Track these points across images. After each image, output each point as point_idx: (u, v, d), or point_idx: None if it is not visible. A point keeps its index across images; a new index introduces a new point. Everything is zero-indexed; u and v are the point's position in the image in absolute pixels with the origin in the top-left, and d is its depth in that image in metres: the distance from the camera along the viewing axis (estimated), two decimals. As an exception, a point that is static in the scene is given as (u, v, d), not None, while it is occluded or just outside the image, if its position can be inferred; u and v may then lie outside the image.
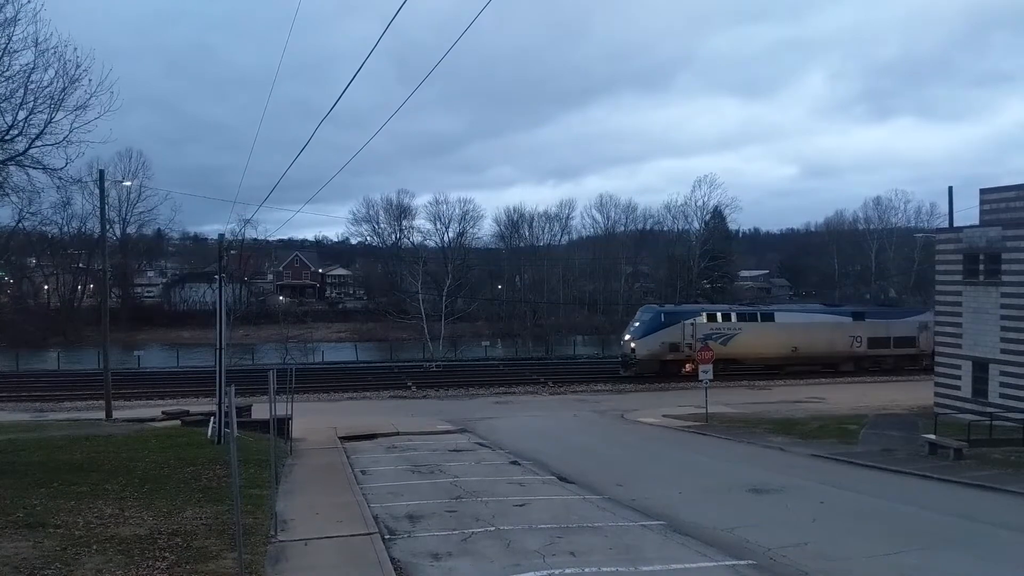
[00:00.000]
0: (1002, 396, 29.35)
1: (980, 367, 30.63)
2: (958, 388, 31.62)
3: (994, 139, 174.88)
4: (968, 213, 43.50)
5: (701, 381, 32.74)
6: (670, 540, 13.63)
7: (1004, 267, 29.68)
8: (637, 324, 49.41)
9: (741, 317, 49.24)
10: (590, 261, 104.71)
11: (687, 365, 47.00)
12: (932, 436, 23.82)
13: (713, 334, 47.01)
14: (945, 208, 40.30)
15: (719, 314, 49.36)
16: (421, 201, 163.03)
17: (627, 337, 49.49)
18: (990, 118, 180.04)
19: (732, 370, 47.75)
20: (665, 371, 47.89)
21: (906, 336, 50.69)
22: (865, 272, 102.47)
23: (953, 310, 32.20)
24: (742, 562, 12.19)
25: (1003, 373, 29.57)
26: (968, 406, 29.86)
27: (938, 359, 33.21)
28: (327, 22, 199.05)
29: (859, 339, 50.14)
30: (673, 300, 75.40)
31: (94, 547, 11.72)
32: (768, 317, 49.76)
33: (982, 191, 32.23)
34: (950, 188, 39.53)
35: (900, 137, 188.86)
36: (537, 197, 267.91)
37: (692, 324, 47.39)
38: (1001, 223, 30.27)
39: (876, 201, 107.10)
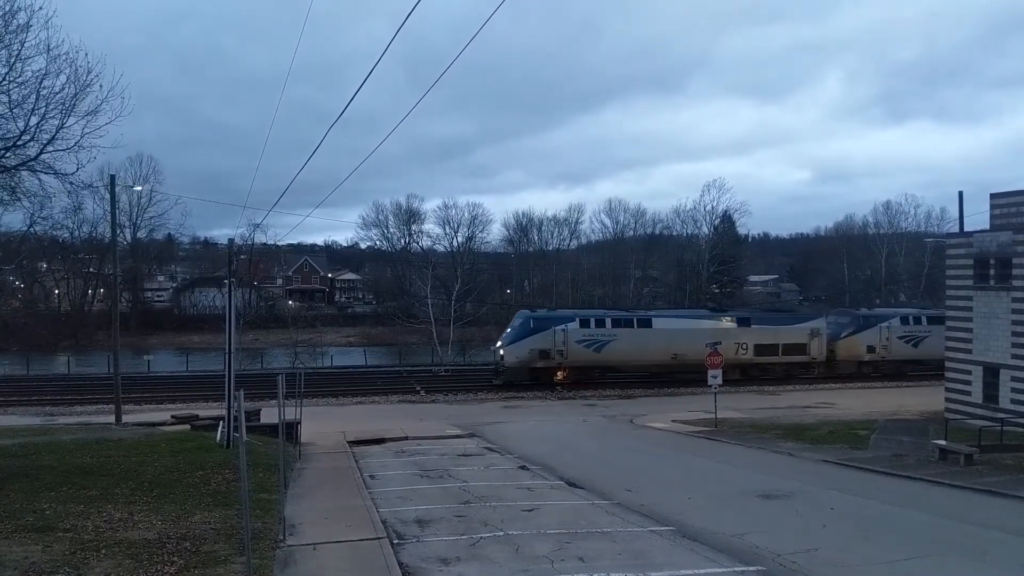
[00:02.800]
0: (1013, 402, 29.20)
1: (991, 372, 30.48)
2: (969, 393, 31.46)
3: (1009, 143, 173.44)
4: (979, 218, 43.19)
5: (711, 386, 32.62)
6: (679, 546, 13.59)
7: (1015, 272, 29.54)
8: (508, 330, 48.06)
9: (616, 323, 47.54)
10: (599, 265, 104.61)
11: (559, 373, 46.28)
12: (943, 441, 23.71)
13: (586, 341, 46.20)
14: (955, 213, 40.05)
15: (593, 320, 47.64)
16: (430, 206, 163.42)
17: (498, 344, 48.11)
18: (1006, 121, 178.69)
19: (610, 378, 47.09)
20: (536, 380, 46.31)
21: (796, 343, 49.15)
22: (875, 277, 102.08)
23: (964, 315, 32.06)
24: (752, 568, 12.15)
25: (1014, 379, 29.40)
26: (979, 411, 29.74)
27: (948, 364, 33.05)
28: (338, 23, 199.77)
29: (744, 346, 48.40)
30: (682, 304, 75.17)
31: (103, 551, 11.75)
32: (645, 323, 48.16)
33: (993, 195, 32.11)
34: (960, 193, 39.19)
35: (915, 141, 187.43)
36: (547, 201, 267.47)
37: (564, 330, 46.09)
38: (1012, 227, 30.13)
39: (886, 206, 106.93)
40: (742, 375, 48.43)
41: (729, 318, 50.18)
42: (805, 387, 46.81)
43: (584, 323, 47.07)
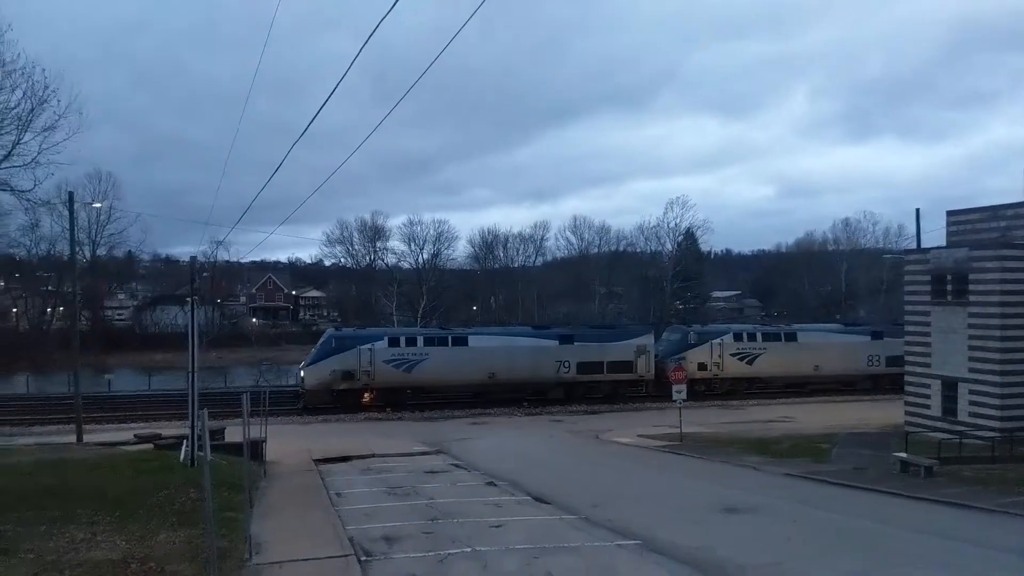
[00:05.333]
0: (971, 415, 29.77)
1: (949, 386, 31.05)
2: (928, 407, 32.01)
3: (970, 160, 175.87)
4: (937, 234, 43.91)
5: (675, 400, 32.89)
6: (646, 560, 13.69)
7: (971, 287, 30.19)
8: (313, 350, 45.71)
9: (429, 342, 45.50)
10: (564, 282, 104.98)
11: (366, 395, 44.14)
12: (903, 454, 24.11)
13: (395, 360, 44.12)
14: (913, 229, 40.85)
15: (403, 338, 45.76)
16: (395, 223, 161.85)
17: (301, 364, 45.72)
18: (968, 139, 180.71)
19: (424, 399, 45.32)
20: (342, 402, 43.73)
21: (622, 360, 47.22)
22: (835, 292, 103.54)
23: (922, 330, 32.65)
24: (718, 581, 12.28)
25: (972, 392, 29.99)
26: (938, 424, 30.27)
27: (908, 378, 33.61)
28: (301, 37, 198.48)
29: (567, 364, 46.49)
30: (647, 320, 75.24)
31: (66, 572, 11.61)
32: (460, 341, 46.14)
33: (949, 213, 32.85)
34: (917, 210, 40.04)
35: (878, 157, 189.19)
36: (513, 219, 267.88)
37: (371, 349, 43.83)
38: (968, 244, 30.83)
39: (845, 222, 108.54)
40: (566, 394, 47.06)
41: (551, 335, 48.30)
42: (769, 401, 47.14)
43: (393, 342, 45.01)
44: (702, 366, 48.49)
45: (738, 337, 49.84)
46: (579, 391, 47.24)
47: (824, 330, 53.79)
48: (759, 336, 50.35)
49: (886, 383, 49.97)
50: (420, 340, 45.49)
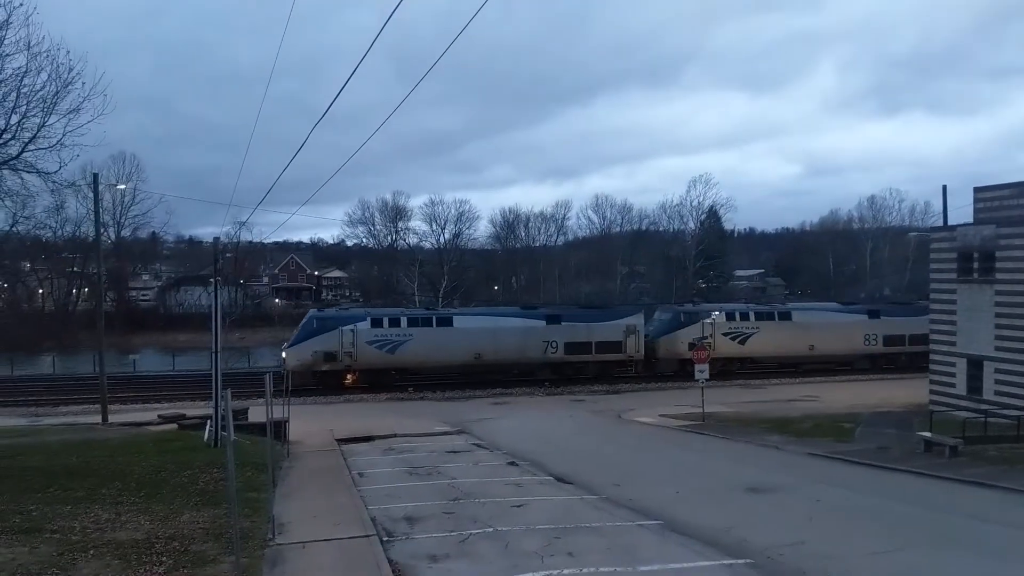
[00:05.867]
0: (997, 393, 29.44)
1: (975, 364, 30.72)
2: (953, 385, 31.71)
3: (1001, 135, 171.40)
4: (965, 211, 43.17)
5: (698, 380, 32.78)
6: (667, 540, 13.65)
7: (998, 265, 29.77)
8: (296, 331, 45.56)
9: (413, 322, 45.10)
10: (586, 262, 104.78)
11: (348, 376, 43.84)
12: (927, 434, 23.89)
13: (378, 341, 43.73)
14: (939, 207, 40.24)
15: (386, 319, 45.14)
16: (417, 202, 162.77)
17: (284, 345, 45.61)
18: (998, 113, 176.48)
19: (408, 380, 44.95)
20: (324, 383, 43.83)
21: (611, 340, 46.78)
22: (860, 271, 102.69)
23: (948, 308, 32.28)
24: (739, 561, 12.22)
25: (997, 370, 29.65)
26: (963, 403, 29.97)
27: (933, 357, 33.28)
28: (323, 15, 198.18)
29: (554, 344, 46.18)
30: (669, 300, 75.02)
31: (91, 552, 11.72)
32: (445, 322, 45.84)
33: (976, 189, 32.34)
34: (944, 187, 39.35)
35: (907, 133, 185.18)
36: (534, 197, 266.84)
37: (353, 330, 43.43)
38: (995, 221, 30.36)
39: (871, 200, 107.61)
40: (553, 374, 46.88)
41: (538, 316, 47.82)
42: (791, 380, 46.90)
43: (376, 323, 44.51)
44: (693, 346, 47.76)
45: (730, 316, 49.06)
46: (567, 371, 46.97)
47: (819, 309, 53.03)
48: (752, 315, 49.56)
49: (883, 362, 49.92)
50: (404, 321, 45.10)
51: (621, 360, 47.59)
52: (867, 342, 49.88)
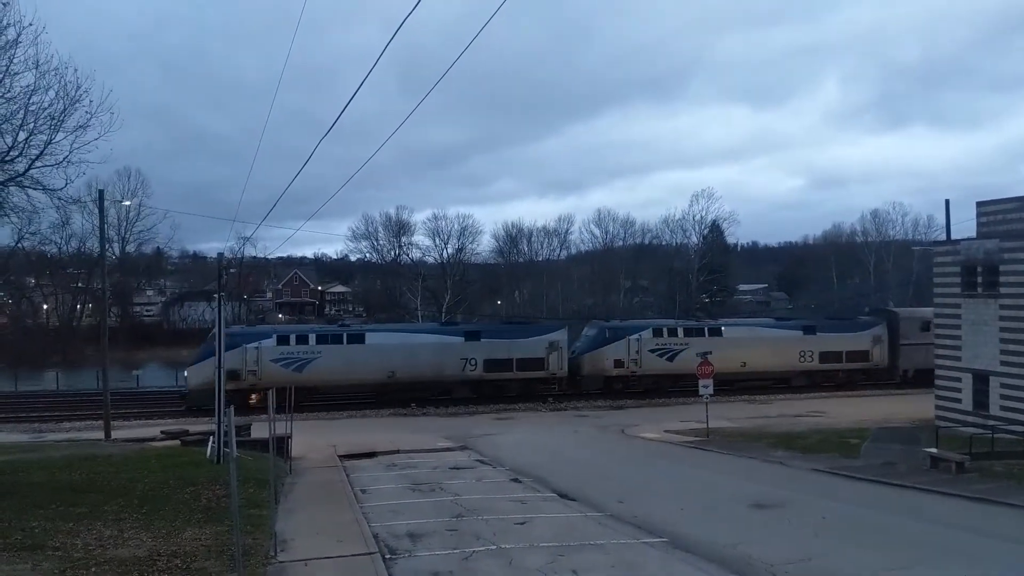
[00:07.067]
0: (1003, 408, 29.30)
1: (980, 379, 30.60)
2: (959, 401, 31.57)
3: (1005, 147, 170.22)
4: (968, 225, 43.02)
5: (702, 396, 32.67)
6: (672, 557, 13.58)
7: (1002, 279, 29.70)
8: (199, 349, 43.45)
9: (322, 339, 43.59)
10: (588, 276, 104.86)
11: (252, 395, 41.26)
12: (934, 449, 23.76)
13: (284, 359, 41.78)
14: (943, 220, 40.25)
15: (293, 336, 43.54)
16: (420, 217, 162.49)
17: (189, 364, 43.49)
18: (1002, 126, 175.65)
19: (316, 400, 42.28)
20: (228, 403, 41.36)
21: (533, 357, 45.47)
22: (864, 285, 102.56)
23: (952, 323, 32.19)
24: (745, 579, 12.15)
25: (1003, 385, 29.53)
26: (969, 419, 29.82)
27: (938, 372, 33.16)
28: (327, 27, 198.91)
29: (473, 361, 44.77)
30: (672, 314, 74.90)
31: (93, 569, 11.67)
32: (357, 339, 44.20)
33: (979, 203, 32.32)
34: (947, 201, 39.43)
35: (910, 146, 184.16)
36: (537, 211, 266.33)
37: (257, 348, 41.70)
38: (998, 235, 30.32)
39: (873, 214, 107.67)
40: (473, 393, 45.41)
41: (456, 332, 46.58)
42: (795, 396, 46.73)
43: (282, 340, 42.75)
44: (618, 363, 46.72)
45: (658, 332, 47.89)
46: (487, 390, 45.66)
47: (753, 324, 52.21)
48: (680, 331, 48.41)
49: (821, 379, 49.08)
50: (312, 338, 43.72)
51: (544, 378, 46.52)
52: (802, 359, 48.89)
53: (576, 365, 46.95)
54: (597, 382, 47.13)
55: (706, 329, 49.37)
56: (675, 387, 47.62)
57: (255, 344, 42.05)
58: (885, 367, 50.02)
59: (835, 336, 49.55)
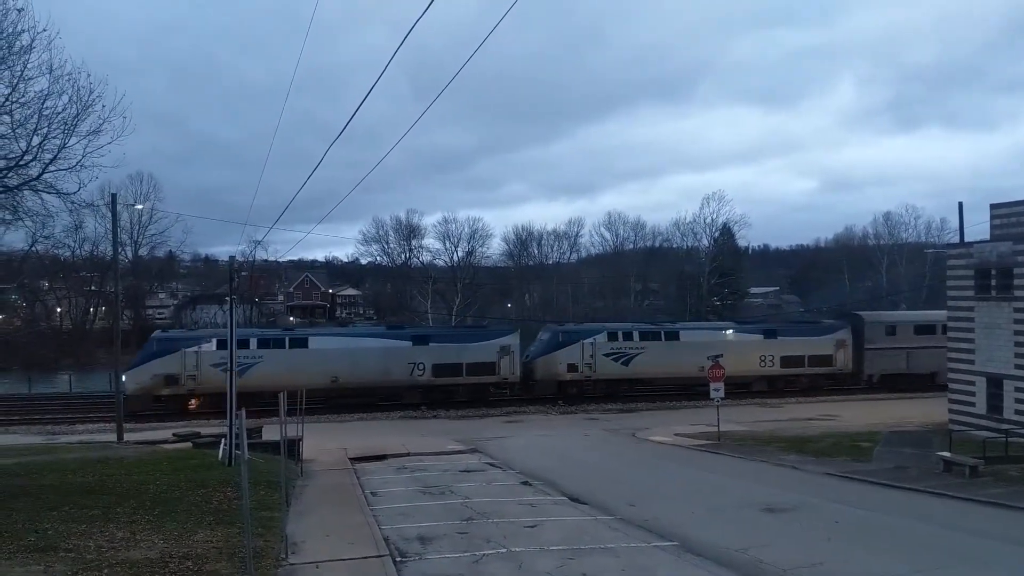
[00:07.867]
0: (1017, 412, 29.10)
1: (994, 383, 30.40)
2: (973, 404, 31.38)
3: (1019, 149, 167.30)
4: (982, 227, 42.66)
5: (713, 399, 32.56)
6: (683, 561, 13.54)
7: (1016, 282, 29.53)
8: (137, 353, 42.73)
9: (264, 343, 42.57)
10: (599, 279, 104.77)
11: (192, 400, 41.00)
12: (947, 453, 23.64)
13: (223, 364, 38.03)
14: (956, 223, 40.00)
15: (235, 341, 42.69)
16: (430, 220, 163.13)
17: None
18: (1017, 128, 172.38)
19: (254, 406, 40.26)
20: (166, 409, 41.13)
21: (483, 362, 44.81)
22: (876, 288, 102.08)
23: (966, 326, 32.01)
24: (756, 583, 12.10)
25: (1018, 389, 29.33)
26: (983, 422, 29.66)
27: (951, 375, 32.98)
28: (337, 32, 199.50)
29: (421, 366, 44.02)
30: (684, 317, 74.51)
31: (105, 571, 11.72)
32: (299, 343, 43.47)
33: (992, 206, 32.14)
34: (960, 203, 39.16)
35: (923, 148, 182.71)
36: (547, 215, 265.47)
37: (197, 352, 40.73)
38: (1012, 238, 30.14)
39: (886, 216, 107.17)
40: (422, 398, 44.63)
41: (404, 336, 45.71)
42: (807, 399, 46.49)
43: (222, 344, 39.39)
44: (572, 367, 46.12)
45: (612, 336, 47.15)
46: (436, 395, 45.08)
47: (712, 328, 51.65)
48: (636, 335, 47.61)
49: (782, 384, 48.48)
50: (253, 342, 42.43)
51: (495, 382, 46.03)
52: (763, 363, 48.07)
53: (530, 369, 46.48)
54: (550, 387, 46.69)
55: (663, 332, 48.63)
56: (631, 392, 47.17)
57: (194, 348, 41.19)
58: (850, 372, 49.21)
59: (797, 340, 48.84)
